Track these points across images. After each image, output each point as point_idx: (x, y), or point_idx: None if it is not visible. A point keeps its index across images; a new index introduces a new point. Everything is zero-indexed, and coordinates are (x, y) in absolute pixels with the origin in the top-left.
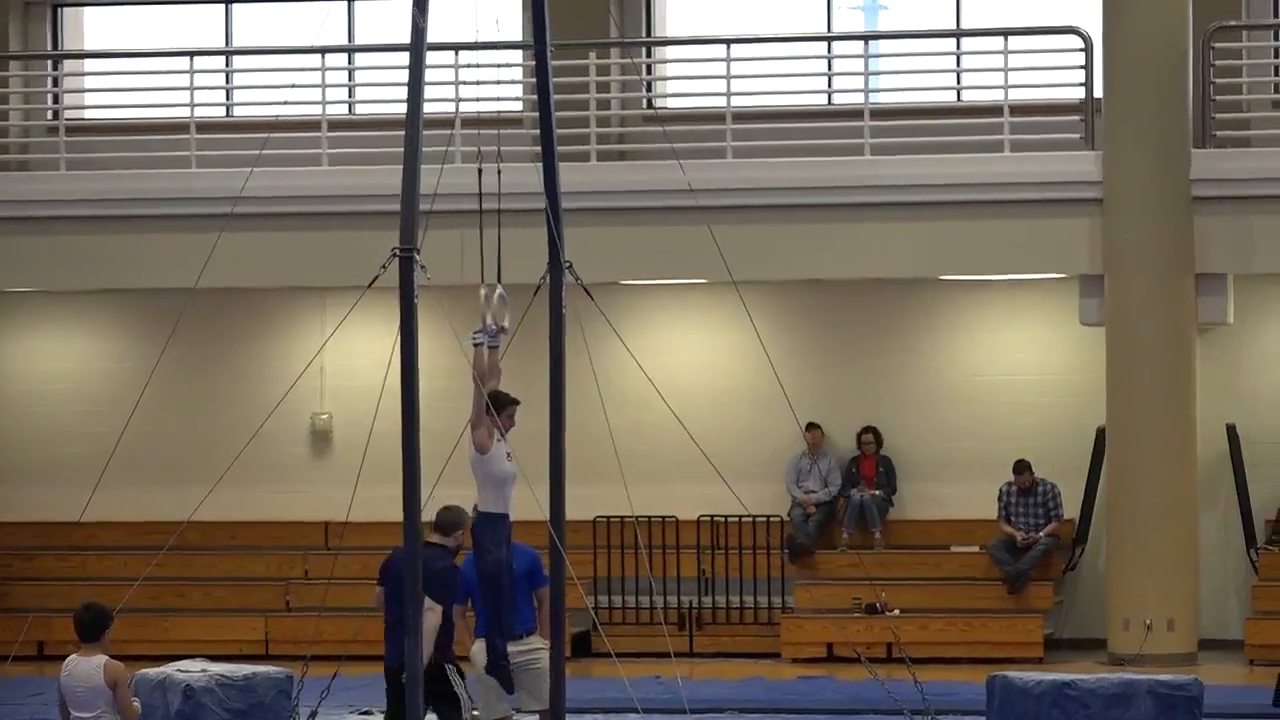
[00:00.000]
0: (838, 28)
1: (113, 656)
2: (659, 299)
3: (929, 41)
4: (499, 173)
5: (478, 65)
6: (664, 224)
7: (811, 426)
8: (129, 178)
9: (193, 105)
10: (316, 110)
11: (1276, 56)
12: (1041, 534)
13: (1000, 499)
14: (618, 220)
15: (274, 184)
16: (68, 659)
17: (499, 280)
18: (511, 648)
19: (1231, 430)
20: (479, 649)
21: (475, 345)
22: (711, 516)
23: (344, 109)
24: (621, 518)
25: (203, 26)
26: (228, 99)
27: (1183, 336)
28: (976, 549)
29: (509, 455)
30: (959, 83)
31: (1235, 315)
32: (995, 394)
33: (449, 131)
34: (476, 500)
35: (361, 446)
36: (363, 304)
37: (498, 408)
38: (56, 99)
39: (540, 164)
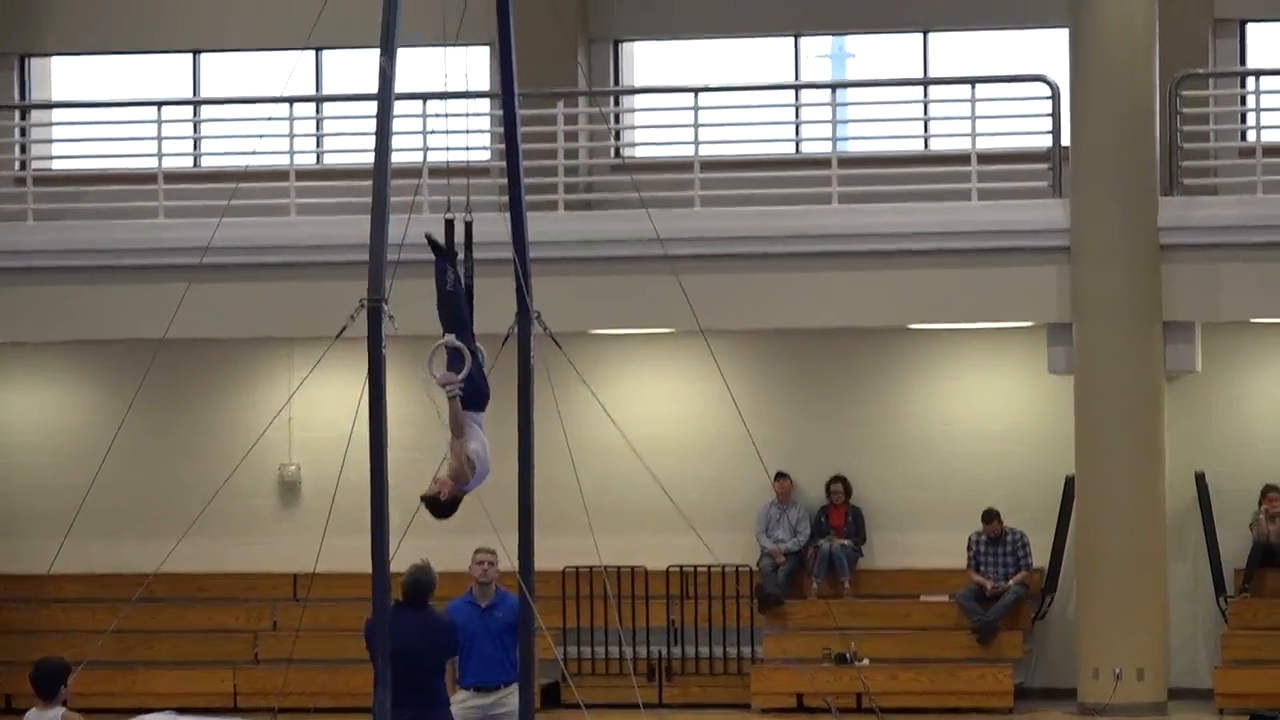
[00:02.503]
0: (805, 77)
1: (79, 710)
2: (628, 348)
3: (896, 90)
4: (470, 224)
5: (446, 115)
6: (632, 273)
7: (780, 476)
8: (97, 228)
9: (160, 155)
10: (284, 160)
11: (1243, 104)
12: (1011, 583)
13: (969, 548)
14: (586, 270)
15: (242, 234)
16: (27, 713)
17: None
18: (489, 698)
19: (1200, 478)
20: (460, 699)
21: (450, 398)
22: (680, 566)
23: (312, 159)
24: (590, 568)
25: (170, 77)
26: (195, 149)
27: (1151, 385)
28: (946, 598)
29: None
30: (926, 131)
31: (1203, 363)
32: (964, 443)
33: (417, 181)
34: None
35: (330, 497)
36: (330, 354)
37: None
38: (24, 149)
39: (508, 213)
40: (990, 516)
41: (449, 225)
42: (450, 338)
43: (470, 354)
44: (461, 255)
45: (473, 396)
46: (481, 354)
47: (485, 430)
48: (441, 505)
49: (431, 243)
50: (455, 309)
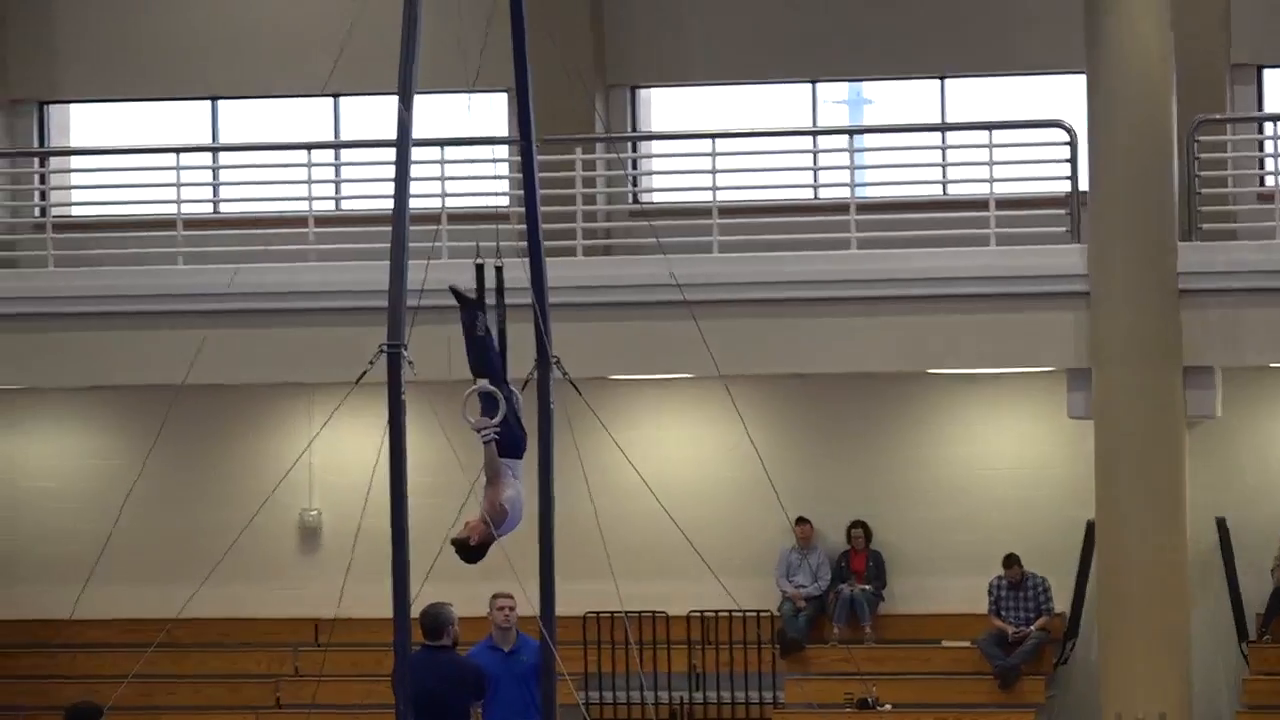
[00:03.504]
0: (822, 122)
1: None
2: (647, 394)
3: (914, 136)
4: (500, 269)
5: (464, 161)
6: (651, 318)
7: (801, 520)
8: (116, 274)
9: (180, 202)
10: (303, 206)
11: (1261, 149)
12: (1032, 628)
13: (990, 593)
14: (605, 315)
15: (261, 280)
16: None
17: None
18: None
19: (1222, 523)
20: None
21: (485, 443)
22: (701, 612)
23: (330, 205)
24: (612, 613)
25: (189, 123)
26: (214, 195)
27: (1171, 430)
28: (967, 643)
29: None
30: (944, 176)
31: (1224, 408)
32: (984, 488)
33: (436, 227)
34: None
35: (350, 542)
36: (350, 400)
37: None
38: (43, 196)
39: (526, 259)
40: (1011, 561)
41: (479, 270)
42: (483, 383)
43: (504, 399)
44: (493, 301)
45: (509, 442)
46: (518, 400)
47: (522, 478)
48: (471, 550)
49: (456, 294)
50: (485, 355)
